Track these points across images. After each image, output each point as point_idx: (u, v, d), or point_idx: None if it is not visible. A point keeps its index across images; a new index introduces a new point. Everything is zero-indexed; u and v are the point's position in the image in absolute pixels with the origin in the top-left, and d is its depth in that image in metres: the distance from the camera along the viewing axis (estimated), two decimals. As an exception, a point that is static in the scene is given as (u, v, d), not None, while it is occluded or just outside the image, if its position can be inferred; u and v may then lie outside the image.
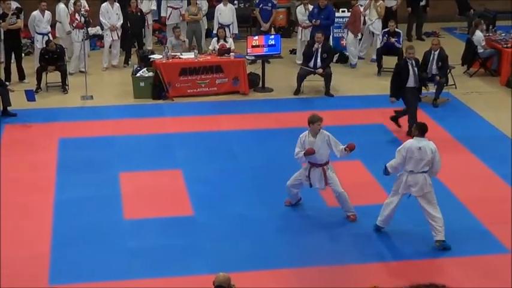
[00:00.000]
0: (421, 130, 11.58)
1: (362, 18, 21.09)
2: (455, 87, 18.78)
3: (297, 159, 12.37)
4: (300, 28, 21.02)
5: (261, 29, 21.28)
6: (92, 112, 17.22)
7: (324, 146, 12.21)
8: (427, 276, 10.80)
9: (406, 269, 11.10)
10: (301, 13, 20.89)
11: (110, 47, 20.47)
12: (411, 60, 15.88)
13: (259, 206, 12.94)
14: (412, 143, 11.49)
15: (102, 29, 20.79)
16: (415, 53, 16.09)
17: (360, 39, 21.51)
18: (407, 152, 11.40)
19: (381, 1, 21.42)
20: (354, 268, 11.14)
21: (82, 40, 19.21)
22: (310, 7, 20.63)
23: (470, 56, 20.16)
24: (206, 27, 22.00)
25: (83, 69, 19.26)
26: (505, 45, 19.79)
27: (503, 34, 20.58)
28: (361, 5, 21.16)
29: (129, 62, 20.57)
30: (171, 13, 21.39)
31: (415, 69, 15.85)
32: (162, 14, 21.66)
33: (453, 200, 12.75)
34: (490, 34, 20.77)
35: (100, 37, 21.77)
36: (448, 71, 18.35)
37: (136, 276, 10.77)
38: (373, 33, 21.51)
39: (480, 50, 19.91)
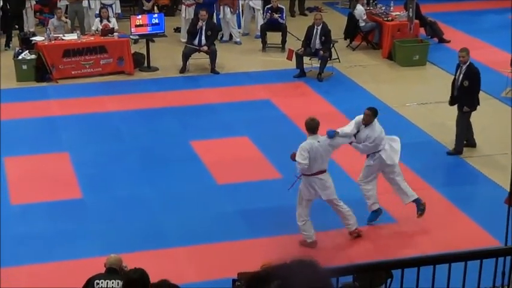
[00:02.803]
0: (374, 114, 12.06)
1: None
2: (339, 61, 19.07)
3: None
4: (183, 6, 20.92)
5: (144, 8, 21.09)
6: (-27, 97, 16.79)
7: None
8: (321, 249, 11.03)
9: (291, 242, 11.23)
10: (184, -9, 20.81)
11: (-11, 30, 19.99)
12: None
13: (148, 186, 12.92)
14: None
15: (-20, 11, 20.26)
16: (465, 57, 13.94)
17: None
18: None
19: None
20: (243, 244, 11.26)
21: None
22: (193, -15, 20.56)
23: (352, 30, 20.51)
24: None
25: (-38, 53, 18.79)
26: (386, 19, 20.19)
27: (383, 8, 20.96)
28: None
29: (10, 45, 20.09)
30: None
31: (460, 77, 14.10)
32: None
33: (343, 174, 12.94)
34: (371, 8, 21.16)
35: (-22, 20, 21.22)
36: (332, 45, 18.62)
37: (26, 262, 10.63)
38: (253, 8, 21.61)
39: (362, 24, 20.26)
